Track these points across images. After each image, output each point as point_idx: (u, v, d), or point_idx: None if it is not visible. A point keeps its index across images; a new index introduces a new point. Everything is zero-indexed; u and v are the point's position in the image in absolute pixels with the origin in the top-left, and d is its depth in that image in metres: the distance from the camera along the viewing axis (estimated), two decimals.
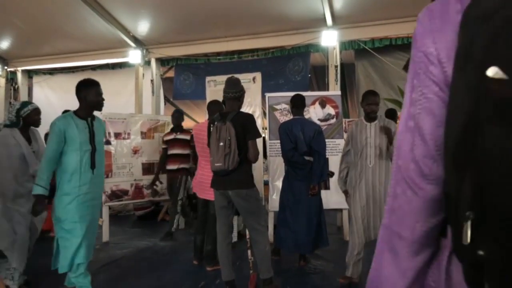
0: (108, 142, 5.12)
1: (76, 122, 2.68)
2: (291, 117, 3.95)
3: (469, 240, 0.52)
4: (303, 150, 3.61)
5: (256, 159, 2.86)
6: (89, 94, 2.70)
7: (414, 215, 0.67)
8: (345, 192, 3.43)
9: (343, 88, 7.65)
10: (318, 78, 8.75)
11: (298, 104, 3.75)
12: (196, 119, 11.25)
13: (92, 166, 2.72)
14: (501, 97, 0.54)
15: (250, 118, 2.90)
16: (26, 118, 3.09)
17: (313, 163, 3.60)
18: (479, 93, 0.57)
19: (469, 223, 0.52)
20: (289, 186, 3.74)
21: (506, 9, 0.50)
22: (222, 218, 3.03)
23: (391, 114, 5.66)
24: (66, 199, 2.62)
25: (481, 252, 0.51)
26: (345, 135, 6.99)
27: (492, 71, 0.55)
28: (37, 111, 3.16)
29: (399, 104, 6.78)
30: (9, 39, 7.78)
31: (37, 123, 3.19)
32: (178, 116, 4.99)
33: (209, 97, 5.38)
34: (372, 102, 3.21)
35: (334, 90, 6.39)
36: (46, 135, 6.65)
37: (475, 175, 0.53)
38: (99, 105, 2.77)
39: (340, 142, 4.89)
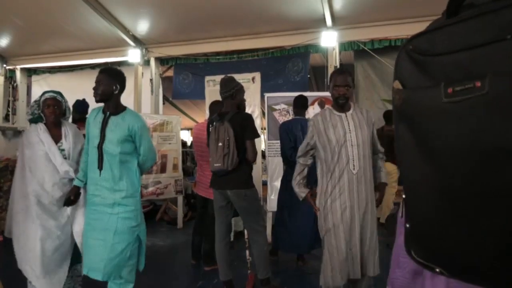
0: None
1: (97, 115, 2.47)
2: (290, 117, 3.97)
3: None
4: None
5: (254, 159, 2.87)
6: None
7: None
8: (308, 202, 2.63)
9: None
10: (318, 78, 8.76)
11: (300, 105, 3.79)
12: (196, 118, 11.26)
13: (99, 166, 2.40)
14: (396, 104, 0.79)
15: (248, 118, 2.90)
16: (42, 110, 2.64)
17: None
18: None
19: None
20: (287, 186, 3.74)
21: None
22: (220, 217, 3.03)
23: (390, 116, 5.67)
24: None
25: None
26: None
27: (395, 84, 0.78)
28: (47, 102, 2.63)
29: None
30: (8, 37, 7.76)
31: (47, 116, 2.63)
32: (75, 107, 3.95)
33: (208, 97, 5.38)
34: (341, 83, 2.41)
35: None
36: None
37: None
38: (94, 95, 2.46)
39: None
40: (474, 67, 0.62)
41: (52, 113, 2.63)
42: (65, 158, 2.61)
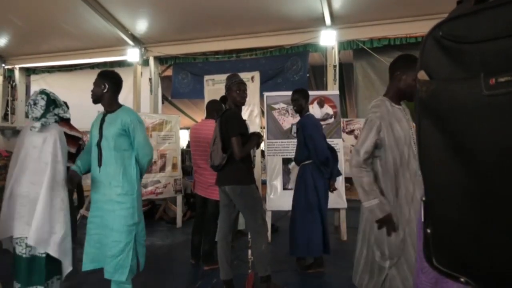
0: None
1: (98, 117, 2.60)
2: (290, 116, 3.93)
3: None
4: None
5: (238, 156, 2.81)
6: None
7: None
8: (389, 220, 1.94)
9: (341, 88, 7.67)
10: (317, 77, 8.75)
11: (308, 99, 3.66)
12: (195, 118, 11.25)
13: (99, 163, 2.49)
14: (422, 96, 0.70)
15: (230, 115, 2.93)
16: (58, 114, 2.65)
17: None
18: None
19: None
20: (314, 186, 3.51)
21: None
22: (223, 216, 3.08)
23: None
24: None
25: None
26: (344, 135, 6.99)
27: (420, 74, 0.70)
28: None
29: None
30: (7, 37, 7.75)
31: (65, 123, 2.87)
32: None
33: (207, 96, 5.38)
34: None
35: (333, 90, 6.39)
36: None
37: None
38: None
39: (338, 142, 4.87)
40: None
41: None
42: None
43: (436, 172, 0.72)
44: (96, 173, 2.52)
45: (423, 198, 0.78)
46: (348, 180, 8.15)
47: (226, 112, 3.00)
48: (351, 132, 8.02)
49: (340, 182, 4.71)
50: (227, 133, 2.86)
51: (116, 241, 2.42)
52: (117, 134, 2.47)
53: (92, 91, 2.56)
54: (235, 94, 2.98)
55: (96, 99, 2.57)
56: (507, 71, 0.55)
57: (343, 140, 5.86)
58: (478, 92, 0.58)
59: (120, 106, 2.61)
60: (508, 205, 0.59)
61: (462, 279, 0.69)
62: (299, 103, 3.54)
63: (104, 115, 2.57)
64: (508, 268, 0.62)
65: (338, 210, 4.99)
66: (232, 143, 2.81)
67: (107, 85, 2.53)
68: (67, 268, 2.50)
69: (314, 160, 3.49)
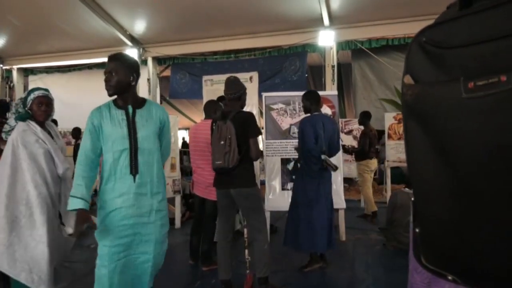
0: None
1: (112, 113, 2.04)
2: (288, 116, 3.94)
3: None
4: (322, 148, 3.52)
5: (257, 157, 2.89)
6: None
7: None
8: None
9: (339, 88, 7.68)
10: (315, 78, 8.77)
11: (317, 100, 3.71)
12: (193, 118, 11.25)
13: (133, 171, 1.99)
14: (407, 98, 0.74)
15: (250, 116, 2.94)
16: (30, 109, 2.47)
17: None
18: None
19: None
20: (303, 186, 3.61)
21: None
22: (223, 217, 3.06)
23: (366, 117, 5.74)
24: (101, 214, 2.01)
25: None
26: (342, 135, 7.00)
27: (406, 78, 0.73)
28: (40, 100, 2.47)
29: (396, 105, 6.80)
30: (5, 37, 7.73)
31: (39, 116, 2.47)
32: None
33: (205, 96, 5.38)
34: None
35: (331, 90, 6.40)
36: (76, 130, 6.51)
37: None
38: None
39: None
40: (497, 60, 0.58)
41: (44, 112, 2.49)
42: None
43: (422, 172, 0.75)
44: (128, 184, 1.99)
45: (412, 198, 0.81)
46: (347, 181, 8.19)
47: (241, 114, 2.94)
48: (349, 132, 8.03)
49: (338, 183, 4.72)
50: (244, 135, 2.83)
51: (158, 254, 2.11)
52: (156, 133, 2.10)
53: (116, 81, 2.02)
54: (244, 101, 3.09)
55: (117, 91, 2.05)
56: (485, 75, 0.58)
57: (342, 140, 5.86)
58: (458, 95, 0.61)
59: (143, 98, 2.21)
60: (490, 201, 0.61)
61: (449, 277, 0.71)
62: (303, 105, 3.76)
63: (129, 110, 2.08)
64: (492, 265, 0.64)
65: (336, 210, 5.00)
66: (251, 144, 2.84)
67: (136, 75, 2.11)
68: None
69: (304, 159, 3.57)
